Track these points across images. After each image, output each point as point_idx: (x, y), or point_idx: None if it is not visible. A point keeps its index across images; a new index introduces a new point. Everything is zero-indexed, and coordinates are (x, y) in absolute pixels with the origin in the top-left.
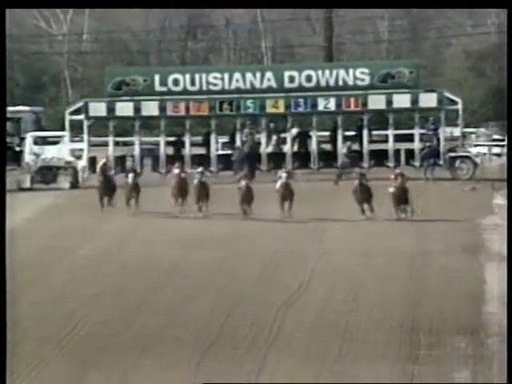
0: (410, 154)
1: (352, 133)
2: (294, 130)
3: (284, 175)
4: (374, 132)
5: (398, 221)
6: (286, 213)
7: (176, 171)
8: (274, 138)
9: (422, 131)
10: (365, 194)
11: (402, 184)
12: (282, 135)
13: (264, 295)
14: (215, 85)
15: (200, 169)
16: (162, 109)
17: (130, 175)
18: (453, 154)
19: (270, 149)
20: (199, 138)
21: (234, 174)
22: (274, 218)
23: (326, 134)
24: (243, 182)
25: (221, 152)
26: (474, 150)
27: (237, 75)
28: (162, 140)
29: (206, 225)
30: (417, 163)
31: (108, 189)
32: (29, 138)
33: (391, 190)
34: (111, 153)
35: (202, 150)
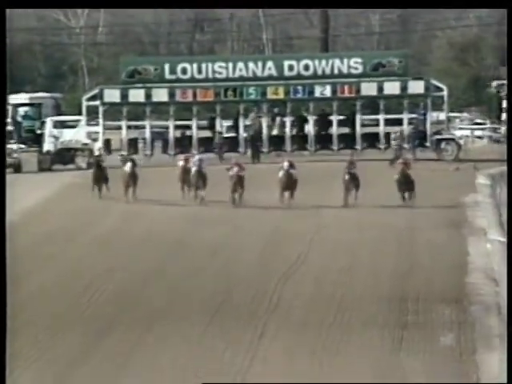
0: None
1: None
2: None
3: (286, 165)
4: (366, 116)
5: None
6: (287, 201)
7: (181, 163)
8: (278, 121)
9: (412, 116)
10: (353, 182)
11: (406, 171)
12: (284, 119)
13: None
14: (220, 73)
15: (197, 157)
16: (171, 95)
17: (128, 164)
18: (438, 137)
19: (275, 132)
20: (205, 122)
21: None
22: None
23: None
24: (235, 169)
25: (225, 135)
26: (457, 133)
27: (240, 64)
28: (171, 124)
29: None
30: (406, 145)
31: (100, 179)
32: (49, 121)
33: (396, 176)
34: (124, 136)
35: (208, 133)
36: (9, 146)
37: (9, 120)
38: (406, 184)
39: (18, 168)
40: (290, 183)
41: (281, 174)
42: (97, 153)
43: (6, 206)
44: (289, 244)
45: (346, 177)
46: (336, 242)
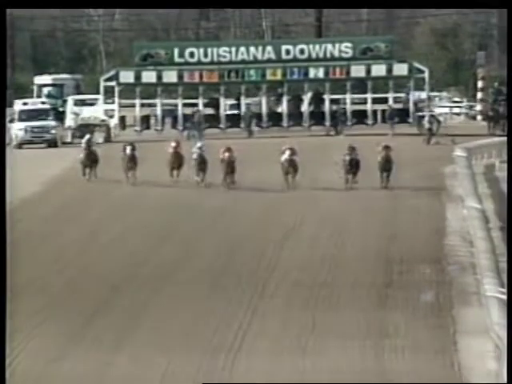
0: (384, 113)
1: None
2: (309, 94)
3: (288, 152)
4: (356, 96)
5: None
6: (291, 184)
7: (173, 144)
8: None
9: (397, 95)
10: (353, 167)
11: (387, 155)
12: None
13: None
14: (224, 57)
15: (199, 144)
16: (180, 77)
17: (128, 148)
18: (420, 114)
19: (279, 109)
20: (211, 101)
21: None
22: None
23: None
24: (226, 154)
25: (228, 112)
26: (437, 110)
27: (242, 49)
28: (179, 102)
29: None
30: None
31: (91, 161)
32: (70, 100)
33: (378, 159)
34: (138, 113)
35: (212, 111)
36: (45, 122)
37: (34, 99)
38: (388, 167)
39: (55, 143)
40: (292, 168)
41: (283, 159)
42: (86, 138)
43: (6, 202)
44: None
45: (347, 159)
46: (328, 209)
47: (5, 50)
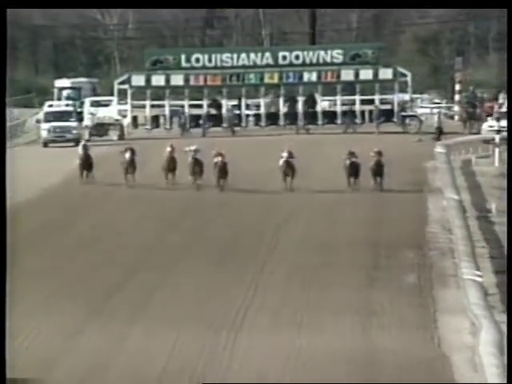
0: (371, 113)
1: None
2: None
3: (285, 154)
4: (345, 97)
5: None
6: (289, 185)
7: (168, 149)
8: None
9: (383, 96)
10: (354, 170)
11: (379, 160)
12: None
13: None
14: (227, 62)
15: (194, 147)
16: (186, 80)
17: (128, 152)
18: (403, 114)
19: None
20: (214, 102)
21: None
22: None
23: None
24: (219, 158)
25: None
26: (419, 111)
27: (243, 55)
28: (186, 103)
29: None
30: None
31: (87, 164)
32: (87, 101)
33: (370, 164)
34: (148, 113)
35: (215, 111)
36: (67, 123)
37: (55, 101)
38: (379, 171)
39: (77, 142)
40: (289, 170)
41: (281, 162)
42: (82, 143)
43: (6, 202)
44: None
45: (347, 163)
46: (322, 199)
47: (5, 50)
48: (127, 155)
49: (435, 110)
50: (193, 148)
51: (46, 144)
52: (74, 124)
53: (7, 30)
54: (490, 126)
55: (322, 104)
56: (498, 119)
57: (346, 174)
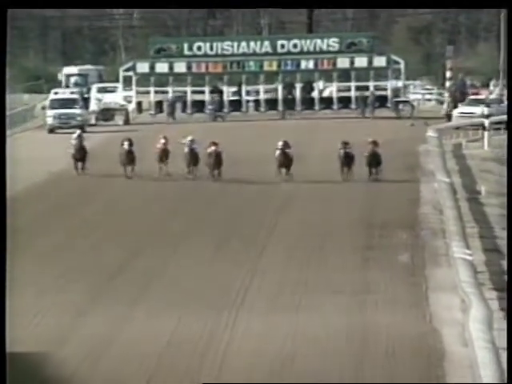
0: (365, 99)
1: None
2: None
3: (281, 144)
4: (341, 84)
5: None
6: (284, 176)
7: (162, 141)
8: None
9: (377, 83)
10: (348, 160)
11: (374, 150)
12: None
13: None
14: (227, 50)
15: (189, 138)
16: (189, 68)
17: (125, 143)
18: (397, 99)
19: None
20: (215, 89)
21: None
22: None
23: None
24: (213, 148)
25: (231, 98)
26: (412, 97)
27: (243, 43)
28: (188, 90)
29: None
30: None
31: (81, 156)
32: (94, 88)
33: (366, 154)
34: (152, 99)
35: (217, 97)
36: (72, 110)
37: (62, 88)
38: (375, 161)
39: (82, 129)
40: (285, 161)
41: (277, 153)
42: (77, 133)
43: (6, 196)
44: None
45: (341, 153)
46: (319, 182)
47: (5, 49)
48: (125, 146)
49: (432, 96)
50: (189, 139)
51: (51, 130)
52: (79, 111)
53: (13, 26)
54: (461, 113)
55: (328, 89)
56: (488, 105)
57: (340, 164)
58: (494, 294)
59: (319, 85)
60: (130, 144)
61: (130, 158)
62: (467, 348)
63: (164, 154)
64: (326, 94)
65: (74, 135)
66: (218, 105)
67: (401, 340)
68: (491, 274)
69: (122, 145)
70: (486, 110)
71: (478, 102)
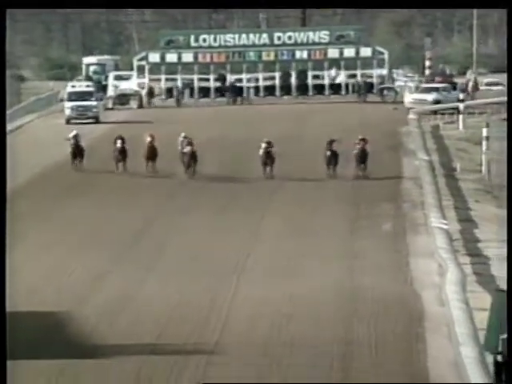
0: (354, 86)
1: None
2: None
3: (264, 145)
4: (332, 71)
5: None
6: (268, 174)
7: (148, 138)
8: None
9: (364, 71)
10: (333, 159)
11: (363, 147)
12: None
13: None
14: (229, 42)
15: (183, 134)
16: (195, 57)
17: (118, 141)
18: (382, 86)
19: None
20: (219, 76)
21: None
22: None
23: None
24: (188, 148)
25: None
26: (395, 84)
27: (243, 36)
28: (195, 77)
29: None
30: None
31: (78, 153)
32: (111, 75)
33: (355, 151)
34: (163, 85)
35: (220, 84)
36: (88, 102)
37: (81, 82)
38: (363, 158)
39: (97, 120)
40: (268, 160)
41: (261, 152)
42: (74, 133)
43: (6, 193)
44: None
45: (328, 154)
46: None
47: (4, 49)
48: (118, 144)
49: (413, 83)
50: (183, 134)
51: (68, 121)
52: (95, 103)
53: (38, 21)
54: (414, 99)
55: (331, 75)
56: (463, 90)
57: (326, 163)
58: (468, 259)
59: (331, 73)
60: (123, 142)
61: (122, 155)
62: (444, 308)
63: (151, 152)
64: (337, 80)
65: (71, 135)
66: (237, 91)
67: (385, 300)
68: (465, 241)
69: (115, 143)
70: (435, 97)
71: (430, 90)
